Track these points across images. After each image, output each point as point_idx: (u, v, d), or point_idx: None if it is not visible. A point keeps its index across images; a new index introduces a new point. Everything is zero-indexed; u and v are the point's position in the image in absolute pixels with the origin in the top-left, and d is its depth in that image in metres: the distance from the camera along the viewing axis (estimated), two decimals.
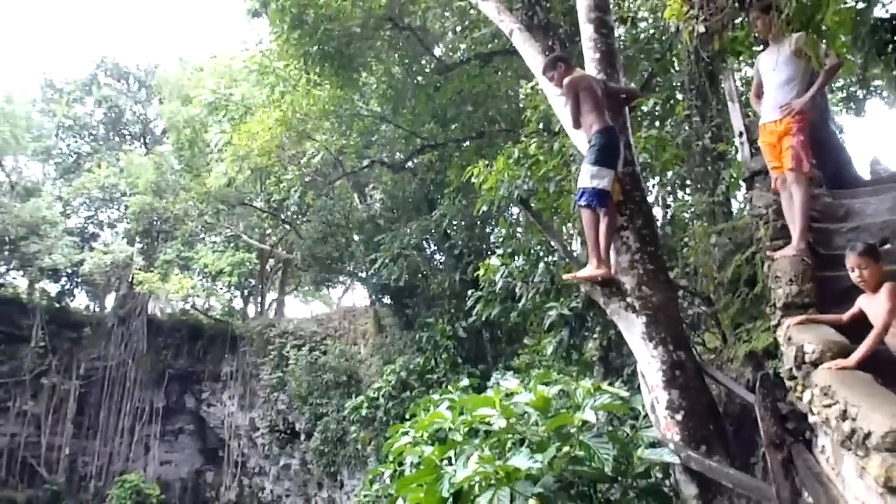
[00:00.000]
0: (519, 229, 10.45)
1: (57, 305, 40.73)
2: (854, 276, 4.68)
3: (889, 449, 2.99)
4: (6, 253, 37.31)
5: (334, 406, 26.94)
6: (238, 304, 44.64)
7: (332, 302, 47.35)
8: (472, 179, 8.92)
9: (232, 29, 75.68)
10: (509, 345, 18.81)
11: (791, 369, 4.56)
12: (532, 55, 7.64)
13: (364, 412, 18.95)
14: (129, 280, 38.29)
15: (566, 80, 6.71)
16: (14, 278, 40.36)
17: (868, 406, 3.33)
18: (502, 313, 11.01)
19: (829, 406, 3.74)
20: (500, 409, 5.97)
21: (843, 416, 3.50)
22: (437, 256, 22.60)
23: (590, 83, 6.78)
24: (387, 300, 25.43)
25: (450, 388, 9.93)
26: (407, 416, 17.18)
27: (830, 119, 11.23)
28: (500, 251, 19.40)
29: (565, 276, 6.41)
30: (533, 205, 8.35)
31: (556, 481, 5.52)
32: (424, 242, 21.82)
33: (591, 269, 6.28)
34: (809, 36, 5.31)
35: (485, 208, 19.32)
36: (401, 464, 8.98)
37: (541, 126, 8.78)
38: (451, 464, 6.11)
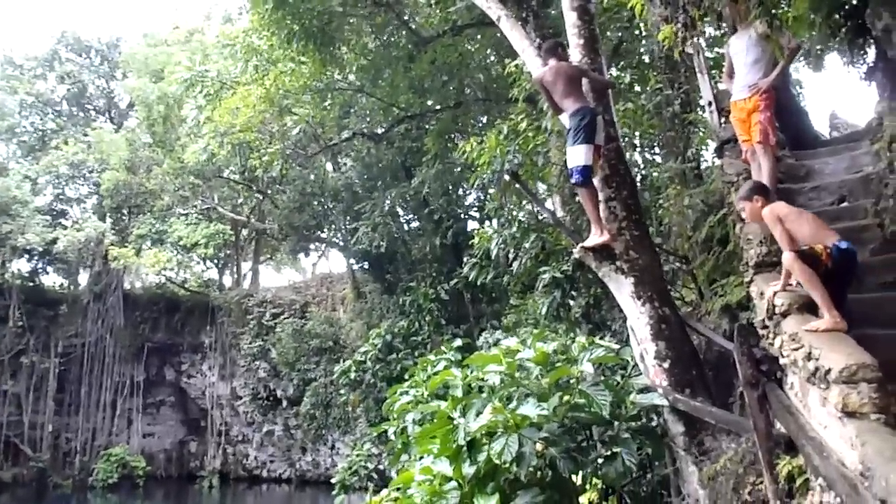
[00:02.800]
0: (513, 198, 11.09)
1: (31, 284, 40.63)
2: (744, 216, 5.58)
3: (845, 381, 3.72)
4: None
5: (322, 371, 27.56)
6: (213, 275, 44.80)
7: (306, 270, 47.61)
8: (465, 154, 9.52)
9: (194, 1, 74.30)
10: (489, 305, 19.54)
11: (763, 320, 5.30)
12: (519, 40, 8.24)
13: (352, 376, 19.61)
14: (103, 256, 38.27)
15: (534, 78, 7.42)
16: None
17: (828, 348, 4.08)
18: (496, 278, 11.73)
19: (796, 349, 4.48)
20: (506, 366, 6.67)
21: (808, 357, 4.24)
22: (415, 223, 23.17)
23: (556, 72, 7.38)
24: (366, 266, 25.98)
25: (443, 348, 10.50)
26: (394, 378, 17.93)
27: (791, 83, 11.96)
28: (488, 219, 20.12)
29: (576, 250, 7.09)
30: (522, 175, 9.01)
31: (558, 426, 6.24)
32: (403, 209, 22.37)
33: (596, 237, 6.99)
34: (772, 22, 5.98)
35: (460, 172, 19.96)
36: (403, 420, 9.44)
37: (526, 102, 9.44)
38: (462, 416, 6.73)
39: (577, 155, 7.00)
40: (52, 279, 42.79)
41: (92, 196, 41.84)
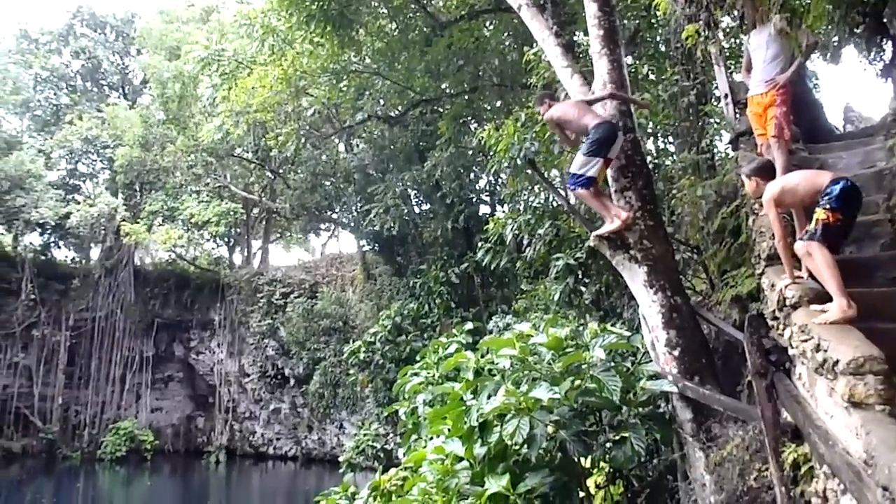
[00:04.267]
0: (526, 185, 11.19)
1: (43, 258, 40.99)
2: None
3: (852, 373, 3.85)
4: None
5: (331, 351, 27.77)
6: (224, 253, 45.07)
7: (315, 250, 47.83)
8: (481, 140, 9.61)
9: None
10: (499, 290, 19.67)
11: (773, 311, 5.42)
12: (539, 29, 8.33)
13: (361, 356, 19.79)
14: (115, 231, 38.53)
15: (546, 117, 7.73)
16: (0, 233, 40.40)
17: (836, 340, 4.20)
18: (509, 263, 11.87)
19: (805, 341, 4.60)
20: (519, 350, 6.81)
21: (817, 348, 4.36)
22: (427, 206, 23.27)
23: (564, 106, 7.76)
24: (377, 248, 26.11)
25: (454, 331, 10.64)
26: (403, 359, 18.11)
27: (806, 75, 11.99)
28: (500, 204, 20.21)
29: (591, 238, 7.22)
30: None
31: (569, 410, 6.39)
32: (415, 192, 22.46)
33: (609, 225, 7.17)
34: (791, 18, 6.06)
35: (473, 156, 20.06)
36: (414, 401, 9.58)
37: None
38: (474, 398, 6.88)
39: (585, 165, 7.26)
40: (64, 253, 43.16)
41: (105, 172, 42.05)
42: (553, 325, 7.32)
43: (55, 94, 43.32)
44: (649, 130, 10.38)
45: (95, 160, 41.86)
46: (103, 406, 40.69)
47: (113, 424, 38.84)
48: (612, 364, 6.96)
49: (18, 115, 41.99)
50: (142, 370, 42.24)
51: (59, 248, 42.65)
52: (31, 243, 40.94)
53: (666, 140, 11.40)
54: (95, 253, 42.15)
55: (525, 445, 5.85)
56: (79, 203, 37.36)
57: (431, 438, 7.56)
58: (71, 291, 39.74)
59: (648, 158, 9.63)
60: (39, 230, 39.97)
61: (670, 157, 11.62)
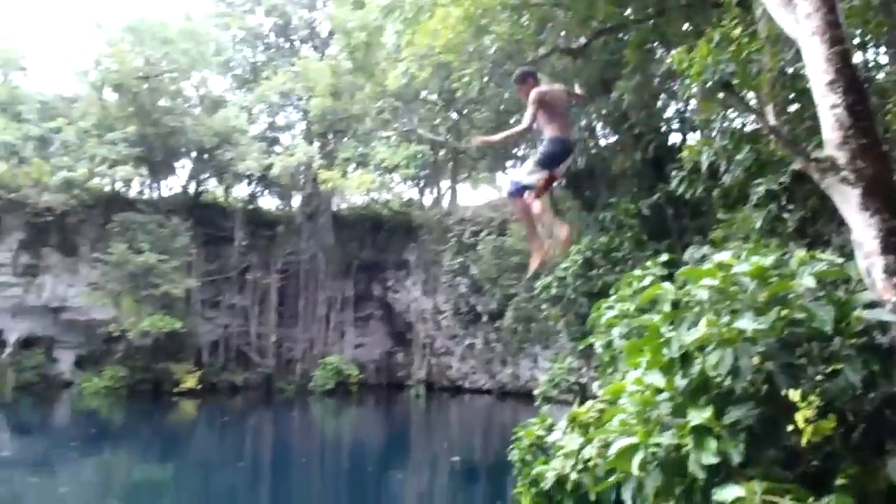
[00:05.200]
0: (721, 109, 10.63)
1: (251, 207, 44.12)
2: None
3: None
4: (203, 162, 40.48)
5: (523, 286, 28.13)
6: (414, 195, 46.47)
7: (502, 188, 48.12)
8: (672, 65, 9.24)
9: None
10: (693, 220, 18.98)
11: None
12: None
13: (553, 291, 19.86)
14: (313, 179, 40.69)
15: (534, 92, 7.49)
16: (215, 186, 43.80)
17: None
18: (704, 192, 11.44)
19: None
20: (720, 280, 6.58)
21: None
22: (614, 138, 22.74)
23: (553, 95, 7.64)
24: (564, 183, 25.87)
25: (649, 263, 10.46)
26: (595, 293, 18.01)
27: None
28: (692, 131, 19.42)
29: (795, 162, 6.82)
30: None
31: (776, 341, 6.12)
32: (601, 125, 21.98)
33: (534, 258, 8.11)
34: None
35: (661, 84, 19.28)
36: (609, 334, 9.55)
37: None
38: (672, 330, 6.74)
39: (528, 175, 7.51)
40: (268, 202, 46.21)
41: (300, 122, 44.30)
42: (755, 253, 7.01)
43: (252, 52, 45.88)
44: (858, 41, 9.53)
45: (291, 112, 44.17)
46: (312, 343, 43.68)
47: (321, 360, 41.68)
48: (823, 293, 6.59)
49: (221, 74, 44.86)
50: (344, 309, 44.86)
51: (264, 196, 45.74)
52: (239, 194, 44.18)
53: (878, 51, 10.41)
54: (296, 200, 44.82)
55: (729, 377, 5.68)
56: (279, 154, 39.67)
57: (628, 371, 7.52)
58: (277, 237, 42.63)
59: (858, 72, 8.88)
60: (246, 181, 42.98)
61: (883, 70, 10.64)
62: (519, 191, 7.63)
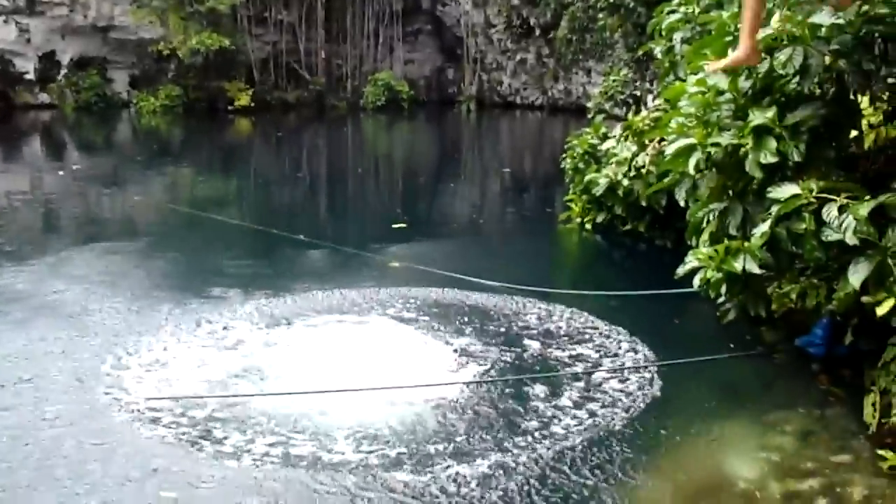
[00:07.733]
0: None
1: None
2: None
3: None
4: None
5: None
6: None
7: None
8: None
9: None
10: None
11: None
12: None
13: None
14: None
15: None
16: None
17: None
18: None
19: None
20: None
21: None
22: None
23: None
24: None
25: None
26: (655, 1, 17.09)
27: None
28: None
29: None
30: None
31: (852, 39, 5.80)
32: None
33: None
34: None
35: None
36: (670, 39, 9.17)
37: None
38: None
39: None
40: None
41: None
42: None
43: None
44: None
45: None
46: (361, 59, 43.22)
47: (371, 76, 41.43)
48: None
49: None
50: (392, 24, 43.70)
51: None
52: None
53: None
54: None
55: (797, 76, 5.49)
56: None
57: (689, 77, 7.31)
58: None
59: None
60: None
61: None
62: None
